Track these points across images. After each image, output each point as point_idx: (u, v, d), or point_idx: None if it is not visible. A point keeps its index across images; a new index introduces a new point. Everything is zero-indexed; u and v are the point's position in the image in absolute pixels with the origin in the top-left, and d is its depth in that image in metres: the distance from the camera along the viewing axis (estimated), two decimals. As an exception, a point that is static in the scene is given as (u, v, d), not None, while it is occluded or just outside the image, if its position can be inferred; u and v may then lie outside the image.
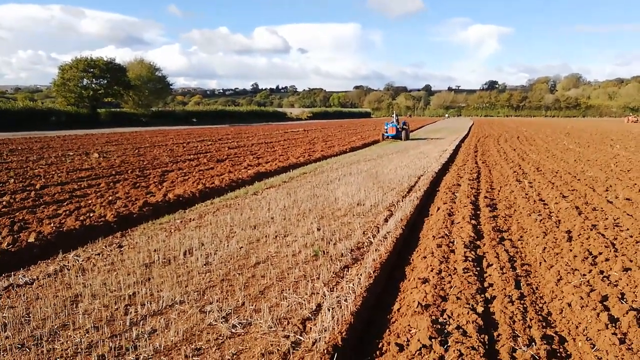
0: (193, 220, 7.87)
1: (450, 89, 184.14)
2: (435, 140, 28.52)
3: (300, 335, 3.89)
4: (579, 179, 12.25)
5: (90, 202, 9.07)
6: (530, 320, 4.22)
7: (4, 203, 8.83)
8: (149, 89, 61.87)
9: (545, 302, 4.77)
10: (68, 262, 5.75)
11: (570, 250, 6.14)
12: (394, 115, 29.74)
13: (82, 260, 5.81)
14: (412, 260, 6.28)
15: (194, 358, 3.58)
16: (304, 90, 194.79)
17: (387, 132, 28.11)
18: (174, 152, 19.49)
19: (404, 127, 28.41)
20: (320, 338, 3.79)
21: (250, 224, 7.50)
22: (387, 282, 5.60)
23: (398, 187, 10.97)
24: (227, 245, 6.35)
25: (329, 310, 4.27)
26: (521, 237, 7.11)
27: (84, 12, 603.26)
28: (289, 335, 3.86)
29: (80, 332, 3.94)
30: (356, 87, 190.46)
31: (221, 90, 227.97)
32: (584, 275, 5.26)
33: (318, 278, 5.18)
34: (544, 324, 4.21)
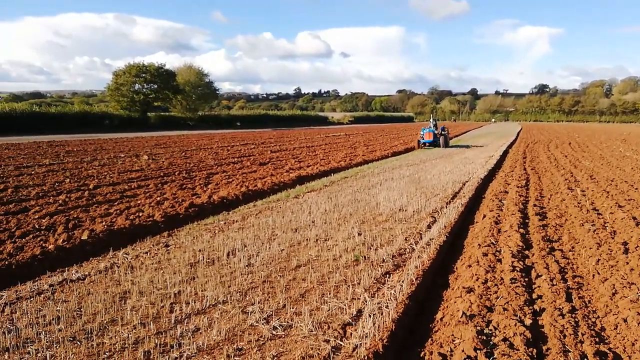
0: (236, 221, 8.01)
1: (497, 93, 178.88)
2: (480, 146, 27.73)
3: (341, 340, 3.86)
4: (636, 188, 11.57)
5: (139, 202, 9.42)
6: (582, 335, 4.01)
7: (60, 202, 9.32)
8: (197, 94, 63.79)
9: (598, 317, 4.52)
10: (118, 260, 5.98)
11: (627, 263, 5.79)
12: (432, 119, 27.19)
13: (131, 258, 6.03)
14: (456, 268, 6.12)
15: (235, 358, 3.62)
16: (346, 94, 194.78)
17: (423, 138, 25.30)
18: (218, 155, 19.96)
19: (443, 132, 25.62)
20: (360, 344, 3.75)
21: (292, 227, 7.55)
22: (429, 290, 5.48)
23: (442, 193, 10.74)
24: (269, 248, 6.42)
25: (369, 316, 4.21)
26: (573, 247, 6.78)
27: (135, 20, 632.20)
28: (329, 340, 3.85)
29: (127, 328, 4.08)
30: (399, 91, 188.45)
31: (265, 95, 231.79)
32: (643, 290, 4.94)
33: (359, 283, 5.13)
34: (597, 339, 3.98)
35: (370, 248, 6.42)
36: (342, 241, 6.74)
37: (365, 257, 6.03)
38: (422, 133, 25.54)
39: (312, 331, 4.00)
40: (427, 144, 25.06)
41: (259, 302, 4.61)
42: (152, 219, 7.95)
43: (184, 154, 20.46)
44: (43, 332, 3.97)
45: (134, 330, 4.04)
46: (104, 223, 7.50)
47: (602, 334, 4.18)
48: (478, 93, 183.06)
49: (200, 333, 4.01)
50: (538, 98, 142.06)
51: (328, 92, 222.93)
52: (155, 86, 55.72)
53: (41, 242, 6.49)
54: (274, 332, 4.01)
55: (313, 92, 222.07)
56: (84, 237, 6.73)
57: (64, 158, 17.79)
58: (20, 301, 4.66)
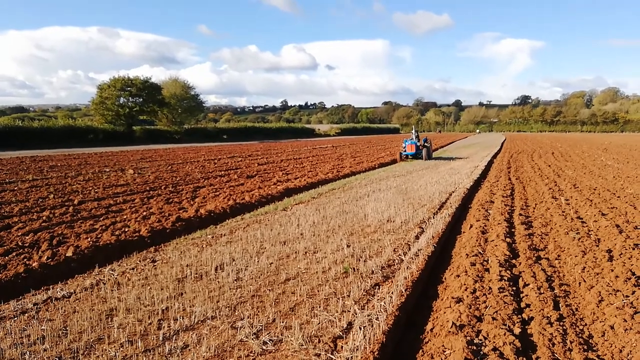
0: (224, 235, 7.96)
1: (481, 104, 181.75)
2: (466, 156, 28.03)
3: (332, 353, 3.84)
4: (618, 196, 11.79)
5: (125, 217, 9.30)
6: (571, 343, 4.05)
7: (44, 218, 9.16)
8: (182, 107, 63.64)
9: (586, 324, 4.57)
10: (104, 276, 5.89)
11: (612, 270, 5.88)
12: (414, 131, 26.41)
13: (117, 275, 5.94)
14: (445, 278, 6.15)
15: (225, 374, 3.57)
16: (332, 106, 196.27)
17: (405, 151, 24.53)
18: (205, 169, 19.86)
19: (426, 144, 24.91)
20: (352, 357, 3.73)
21: (280, 240, 7.52)
22: (419, 300, 5.49)
23: (429, 203, 10.82)
24: (258, 261, 6.38)
25: (360, 328, 4.20)
26: (559, 256, 6.87)
27: (119, 33, 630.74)
28: (320, 354, 3.82)
29: (115, 346, 4.01)
30: (385, 103, 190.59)
31: (251, 108, 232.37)
32: (627, 296, 5.02)
33: (349, 295, 5.13)
34: (585, 347, 4.03)
35: (359, 260, 6.42)
36: (331, 253, 6.74)
37: (354, 269, 6.03)
38: (404, 145, 24.89)
39: (302, 345, 3.97)
40: (409, 157, 24.52)
41: (248, 317, 4.57)
42: (138, 234, 7.86)
43: (170, 167, 20.32)
44: (28, 352, 3.88)
45: (121, 349, 3.96)
46: (89, 239, 7.38)
47: (590, 341, 4.22)
48: (462, 104, 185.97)
49: (189, 350, 3.95)
50: (521, 109, 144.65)
51: (314, 104, 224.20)
52: (141, 100, 55.44)
53: (25, 260, 6.36)
54: (264, 347, 3.97)
55: (299, 105, 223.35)
56: (69, 253, 6.61)
57: (48, 173, 17.53)
58: (4, 321, 4.55)
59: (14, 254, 6.69)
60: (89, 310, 4.76)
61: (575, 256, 6.60)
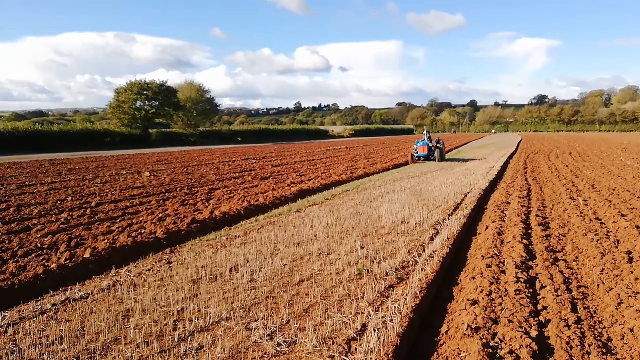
0: (238, 237, 8.00)
1: (496, 104, 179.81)
2: (481, 157, 27.74)
3: (346, 355, 3.83)
4: (638, 197, 11.54)
5: (141, 219, 9.42)
6: (589, 346, 3.97)
7: (62, 220, 9.33)
8: (198, 110, 64.25)
9: (604, 327, 4.48)
10: (120, 278, 5.97)
11: (632, 272, 5.76)
12: (425, 132, 25.63)
13: (134, 276, 6.02)
14: (460, 281, 6.09)
15: (239, 375, 3.59)
16: (346, 108, 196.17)
17: (417, 152, 23.74)
18: (220, 171, 20.00)
19: (438, 145, 24.10)
20: (366, 359, 3.71)
21: (294, 242, 7.53)
22: (434, 303, 5.45)
23: (444, 205, 10.73)
24: (272, 263, 6.40)
25: (374, 330, 4.19)
26: (577, 257, 6.75)
27: (135, 38, 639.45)
28: (334, 356, 3.82)
29: (131, 347, 4.06)
30: (399, 104, 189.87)
31: (265, 110, 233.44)
32: (649, 299, 4.91)
33: (363, 297, 5.11)
34: (604, 350, 3.95)
35: (374, 262, 6.40)
36: (345, 255, 6.73)
37: (368, 270, 6.01)
38: (415, 146, 24.18)
39: (316, 347, 3.97)
40: (421, 158, 23.75)
41: (262, 318, 4.58)
42: (154, 235, 7.95)
43: (185, 170, 20.51)
44: (46, 353, 3.95)
45: (137, 350, 4.01)
46: (106, 241, 7.49)
47: (609, 344, 4.14)
48: (477, 105, 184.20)
49: (204, 351, 3.98)
50: (537, 109, 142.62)
51: (328, 106, 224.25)
52: (157, 103, 56.07)
53: (44, 261, 6.48)
54: (278, 349, 3.98)
55: (313, 107, 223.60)
56: (87, 255, 6.72)
57: (66, 176, 17.84)
58: (23, 321, 4.65)
59: (33, 255, 6.82)
60: (106, 311, 4.83)
61: (594, 258, 6.48)
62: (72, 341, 4.16)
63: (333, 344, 4.04)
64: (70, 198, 12.24)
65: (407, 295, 5.08)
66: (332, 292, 5.29)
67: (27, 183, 15.45)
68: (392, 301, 4.99)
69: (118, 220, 9.37)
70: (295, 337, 4.19)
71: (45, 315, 4.80)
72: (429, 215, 9.54)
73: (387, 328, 4.24)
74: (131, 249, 7.24)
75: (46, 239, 7.75)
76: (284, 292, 5.34)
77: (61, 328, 4.42)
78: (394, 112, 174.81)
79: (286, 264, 6.36)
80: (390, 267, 6.13)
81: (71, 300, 5.21)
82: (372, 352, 3.82)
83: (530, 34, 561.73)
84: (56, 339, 4.19)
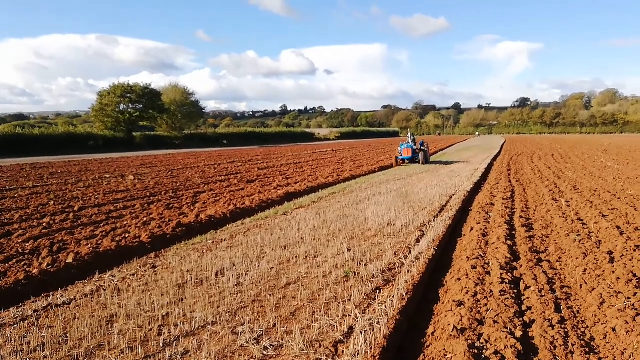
0: (224, 240, 7.95)
1: (480, 107, 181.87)
2: (465, 159, 28.02)
3: (333, 358, 3.83)
4: (619, 198, 11.78)
5: (125, 223, 9.30)
6: (573, 345, 4.03)
7: (44, 224, 9.16)
8: (182, 113, 63.71)
9: (587, 327, 4.56)
10: (104, 283, 5.88)
11: (613, 272, 5.87)
12: (409, 134, 25.52)
13: (118, 281, 5.93)
14: (446, 282, 6.14)
15: (226, 380, 3.56)
16: (332, 110, 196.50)
17: (401, 155, 23.76)
18: (205, 174, 19.87)
19: (422, 148, 23.94)
20: (352, 362, 3.71)
21: (281, 245, 7.51)
22: (420, 304, 5.48)
23: (429, 206, 10.81)
24: (258, 266, 6.37)
25: (361, 333, 4.19)
26: (560, 258, 6.86)
27: (117, 40, 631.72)
28: (321, 359, 3.81)
29: (115, 353, 4.00)
30: (384, 107, 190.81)
31: (251, 113, 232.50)
32: (629, 298, 5.00)
33: (349, 300, 5.11)
34: (587, 349, 4.01)
35: (360, 264, 6.41)
36: (332, 257, 6.73)
37: (355, 273, 6.02)
38: (400, 149, 24.09)
39: (303, 350, 3.96)
40: (405, 161, 23.80)
41: (249, 322, 4.55)
42: (138, 239, 7.86)
43: (170, 173, 20.33)
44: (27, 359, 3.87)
45: (121, 355, 3.95)
46: (89, 245, 7.38)
47: (592, 343, 4.21)
48: (461, 107, 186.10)
49: (190, 356, 3.94)
50: (520, 111, 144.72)
51: (314, 108, 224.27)
52: (141, 106, 55.44)
53: (25, 267, 6.35)
54: (264, 353, 3.96)
55: (299, 109, 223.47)
56: (69, 260, 6.61)
57: (48, 180, 17.53)
58: (4, 328, 4.54)
59: (14, 260, 6.69)
60: (89, 316, 4.75)
61: (577, 258, 6.58)
62: (54, 347, 4.08)
63: (320, 346, 4.03)
64: (52, 202, 12.04)
65: (393, 297, 5.10)
66: (319, 295, 5.29)
67: (8, 187, 15.14)
68: (379, 303, 5.00)
69: (101, 225, 9.24)
70: (282, 340, 4.18)
71: (27, 321, 4.70)
72: (414, 217, 9.60)
73: (373, 330, 4.25)
74: (115, 254, 7.14)
75: (27, 244, 7.60)
76: (270, 295, 5.31)
77: (43, 334, 4.34)
78: (379, 114, 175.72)
79: (272, 267, 6.34)
80: (377, 269, 6.15)
81: (53, 305, 5.11)
82: (358, 354, 3.83)
83: (512, 37, 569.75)
84: (38, 346, 4.11)
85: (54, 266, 6.37)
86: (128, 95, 54.24)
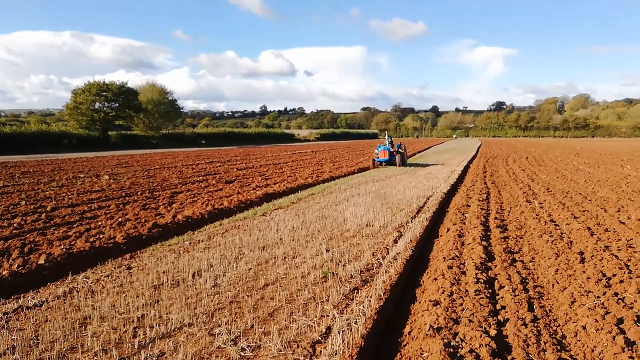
0: (202, 241, 7.87)
1: (457, 110, 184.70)
2: (442, 161, 28.39)
3: (310, 358, 3.83)
4: (589, 200, 12.12)
5: (100, 223, 9.12)
6: (545, 343, 4.13)
7: (15, 225, 8.91)
8: (160, 112, 62.86)
9: (559, 325, 4.67)
10: (77, 284, 5.75)
11: (584, 272, 6.04)
12: (387, 136, 25.39)
13: (91, 282, 5.81)
14: (423, 282, 6.21)
15: (202, 382, 3.53)
16: (312, 112, 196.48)
17: (378, 157, 23.52)
18: (183, 174, 19.63)
19: (399, 150, 23.84)
20: (330, 362, 3.73)
21: (259, 245, 7.48)
22: (397, 304, 5.53)
23: (407, 207, 10.92)
24: (236, 267, 6.33)
25: (339, 333, 4.21)
26: (533, 258, 7.01)
27: (93, 38, 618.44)
28: (299, 359, 3.81)
29: (88, 355, 3.92)
30: (364, 109, 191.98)
31: (230, 113, 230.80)
32: (598, 297, 5.16)
33: (327, 300, 5.13)
34: (558, 347, 4.12)
35: (339, 264, 6.43)
36: (311, 258, 6.73)
37: (333, 273, 6.03)
38: (377, 151, 23.86)
39: (281, 350, 3.95)
40: (383, 163, 23.59)
41: (226, 323, 4.52)
42: (113, 240, 7.71)
43: (146, 173, 20.01)
44: (-4, 364, 3.76)
45: (95, 358, 3.88)
46: (62, 246, 7.21)
47: (563, 341, 4.32)
48: (439, 110, 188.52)
49: (166, 357, 3.89)
50: (496, 115, 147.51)
51: (294, 109, 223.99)
52: (117, 105, 54.53)
53: (-6, 268, 6.16)
54: (242, 354, 3.93)
55: (279, 110, 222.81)
56: (41, 261, 6.44)
57: (20, 179, 17.05)
58: (-29, 331, 4.40)
59: (-18, 262, 6.48)
60: (61, 319, 4.64)
61: (549, 258, 6.75)
62: (25, 350, 3.97)
63: (298, 347, 4.03)
64: (23, 202, 11.71)
65: (371, 297, 5.14)
66: (297, 296, 5.29)
67: (-24, 186, 14.66)
68: (357, 303, 5.03)
69: (75, 225, 9.03)
70: (260, 341, 4.16)
71: (-5, 324, 4.56)
72: (392, 218, 9.68)
73: (351, 330, 4.27)
74: (89, 255, 6.99)
75: (-3, 245, 7.37)
76: (248, 296, 5.29)
77: (13, 337, 4.22)
78: (358, 116, 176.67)
79: (251, 268, 6.30)
80: (355, 269, 6.18)
81: (24, 308, 4.98)
82: (336, 354, 3.84)
83: (488, 42, 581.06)
84: (8, 349, 3.99)
85: (25, 267, 6.20)
86: (104, 93, 53.28)
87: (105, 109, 53.58)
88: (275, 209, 10.97)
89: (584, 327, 4.44)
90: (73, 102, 52.14)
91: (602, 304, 4.95)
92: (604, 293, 5.26)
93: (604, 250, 6.97)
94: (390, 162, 23.63)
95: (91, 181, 16.76)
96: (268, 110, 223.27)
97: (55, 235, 8.13)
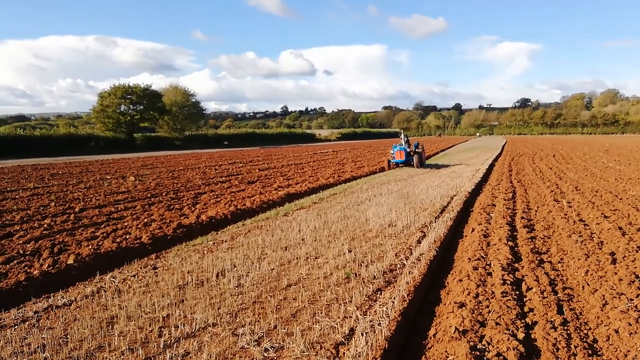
0: (225, 241, 7.94)
1: (481, 107, 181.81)
2: (466, 160, 27.98)
3: (334, 360, 3.81)
4: (620, 198, 11.75)
5: (126, 224, 9.29)
6: (575, 347, 4.01)
7: (45, 226, 9.15)
8: (183, 114, 63.75)
9: (590, 329, 4.53)
10: (105, 284, 5.87)
11: (615, 273, 5.84)
12: (403, 135, 23.47)
13: (118, 282, 5.92)
14: (447, 283, 6.12)
15: (226, 382, 3.54)
16: (332, 111, 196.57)
17: (394, 158, 22.13)
18: (206, 175, 19.87)
19: (417, 150, 22.42)
20: (354, 364, 3.70)
21: (281, 246, 7.50)
22: (421, 305, 5.46)
23: (430, 207, 10.79)
24: (259, 267, 6.36)
25: (362, 334, 4.17)
26: (561, 259, 6.83)
27: (116, 42, 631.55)
28: (322, 360, 3.79)
29: (115, 354, 3.98)
30: (385, 108, 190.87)
31: (251, 114, 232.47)
32: (631, 299, 4.98)
33: (350, 301, 5.09)
34: (589, 351, 3.99)
35: (361, 265, 6.39)
36: (333, 258, 6.71)
37: (356, 274, 6.00)
38: (392, 152, 22.45)
39: (304, 352, 3.94)
40: (399, 164, 22.12)
41: (249, 324, 4.54)
42: (139, 241, 7.84)
43: (171, 174, 20.33)
44: (27, 362, 3.85)
45: (121, 357, 3.94)
46: (90, 246, 7.37)
47: (595, 345, 4.18)
48: (462, 108, 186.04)
49: (190, 357, 3.93)
50: (521, 112, 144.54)
51: (314, 109, 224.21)
52: (142, 107, 55.54)
53: (26, 268, 6.35)
54: (265, 355, 3.94)
55: (300, 110, 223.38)
56: (70, 261, 6.60)
57: (49, 181, 17.54)
58: (4, 329, 4.54)
59: (15, 262, 6.68)
60: (89, 318, 4.74)
61: (578, 259, 6.56)
62: (54, 349, 4.07)
63: (321, 348, 4.01)
64: (53, 203, 12.03)
65: (394, 298, 5.08)
66: (320, 296, 5.27)
67: (9, 188, 15.15)
68: (380, 305, 4.98)
69: (102, 226, 9.23)
70: (283, 342, 4.16)
71: (27, 322, 4.69)
72: (415, 218, 9.58)
73: (375, 332, 4.23)
74: (115, 255, 7.13)
75: (28, 245, 7.59)
76: (271, 296, 5.30)
77: (43, 336, 4.33)
78: (380, 115, 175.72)
79: (273, 269, 6.32)
80: (378, 270, 6.13)
81: (54, 307, 5.10)
82: (360, 356, 3.81)
83: (511, 37, 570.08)
84: (38, 347, 4.10)
85: (54, 267, 6.36)
86: (129, 96, 54.33)
87: (130, 111, 54.63)
88: (297, 209, 10.99)
89: (617, 331, 4.29)
90: (99, 105, 53.36)
91: (636, 306, 4.77)
92: (638, 295, 5.08)
93: (637, 251, 6.74)
94: (407, 163, 22.23)
95: (117, 182, 17.11)
96: (289, 110, 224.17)
97: (84, 235, 8.32)
